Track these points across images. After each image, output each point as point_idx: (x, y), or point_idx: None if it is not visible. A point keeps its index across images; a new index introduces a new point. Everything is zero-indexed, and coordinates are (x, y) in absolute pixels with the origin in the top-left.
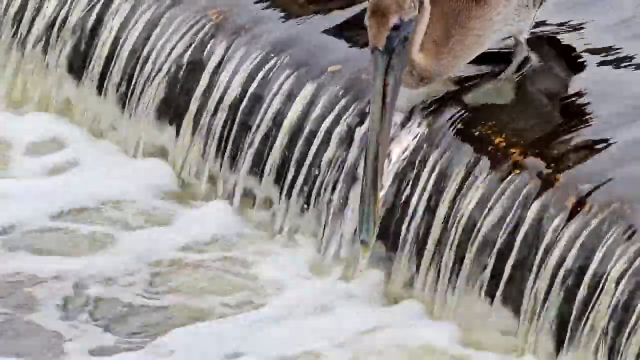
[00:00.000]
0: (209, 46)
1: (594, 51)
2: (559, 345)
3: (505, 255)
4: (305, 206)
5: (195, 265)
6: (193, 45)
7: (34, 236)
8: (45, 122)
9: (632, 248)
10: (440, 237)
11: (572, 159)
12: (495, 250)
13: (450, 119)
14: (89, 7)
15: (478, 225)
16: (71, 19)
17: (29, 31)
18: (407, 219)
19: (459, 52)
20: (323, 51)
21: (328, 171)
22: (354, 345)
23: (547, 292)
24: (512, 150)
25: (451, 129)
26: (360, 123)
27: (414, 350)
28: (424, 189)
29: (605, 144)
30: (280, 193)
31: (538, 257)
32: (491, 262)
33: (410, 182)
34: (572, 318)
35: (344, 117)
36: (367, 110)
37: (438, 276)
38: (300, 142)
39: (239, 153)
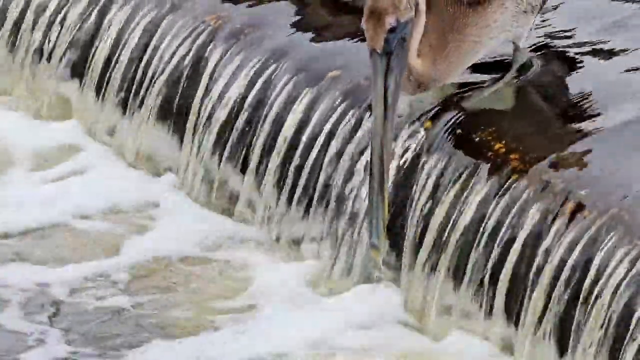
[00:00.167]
0: (208, 51)
1: (593, 56)
2: (558, 351)
3: (504, 260)
4: (306, 212)
5: (189, 270)
6: (192, 51)
7: (26, 241)
8: (45, 126)
9: (631, 253)
10: (439, 242)
11: (571, 164)
12: (494, 256)
13: (449, 124)
14: (88, 12)
15: (477, 230)
16: (71, 23)
17: (29, 34)
18: (406, 223)
19: (456, 58)
20: (323, 57)
21: (327, 176)
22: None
23: (546, 298)
24: (511, 155)
25: (450, 134)
26: (360, 128)
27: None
28: (422, 194)
29: (604, 150)
30: (280, 198)
31: (537, 263)
32: (490, 267)
33: (409, 187)
34: (571, 324)
35: (344, 122)
36: (367, 115)
37: (437, 281)
38: (300, 147)
39: (238, 158)
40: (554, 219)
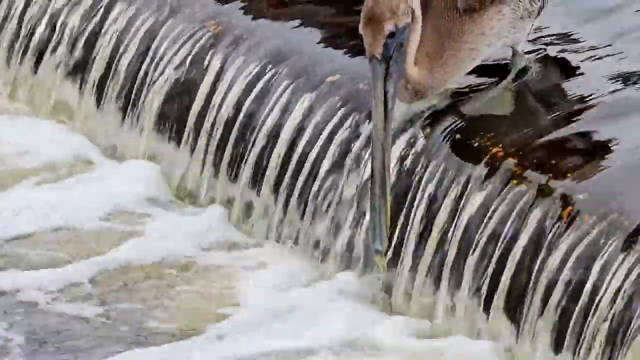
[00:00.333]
0: (207, 57)
1: (593, 61)
2: (557, 355)
3: (503, 265)
4: (303, 216)
5: (184, 275)
6: (191, 56)
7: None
8: (44, 131)
9: (630, 259)
10: (438, 247)
11: (570, 169)
12: (493, 261)
13: (448, 129)
14: (87, 18)
15: (476, 235)
16: (70, 29)
17: (28, 40)
18: (405, 228)
19: (453, 65)
20: (321, 61)
21: (326, 181)
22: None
23: (545, 303)
24: (510, 160)
25: (449, 139)
26: (359, 132)
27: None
28: (421, 199)
29: (603, 155)
30: (278, 203)
31: (536, 268)
32: (489, 272)
33: (408, 192)
34: (570, 329)
35: (343, 127)
36: (367, 120)
37: (436, 286)
38: (299, 151)
39: (237, 162)
40: (553, 224)
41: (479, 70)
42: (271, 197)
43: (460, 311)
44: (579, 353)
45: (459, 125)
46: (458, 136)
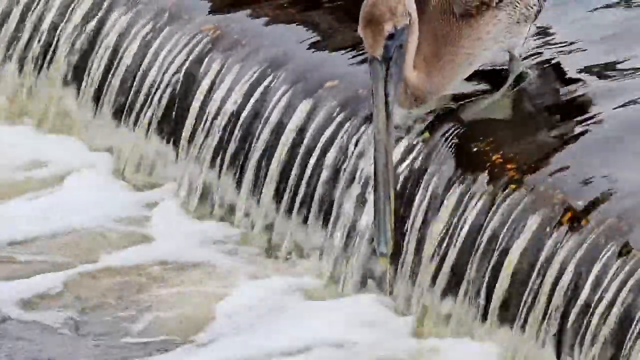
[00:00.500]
0: (205, 62)
1: (591, 66)
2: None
3: (502, 271)
4: (303, 222)
5: (178, 282)
6: (190, 61)
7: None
8: (43, 136)
9: (628, 264)
10: (437, 253)
11: (569, 174)
12: (492, 266)
13: (446, 134)
14: (85, 23)
15: (475, 240)
16: (69, 34)
17: (26, 45)
18: (404, 234)
19: (450, 70)
20: (320, 66)
21: (326, 186)
22: None
23: (545, 308)
24: (509, 166)
25: (448, 144)
26: (359, 137)
27: None
28: (420, 204)
29: (602, 160)
30: (278, 208)
31: (535, 273)
32: (488, 277)
33: (407, 198)
34: (569, 334)
35: (342, 132)
36: (364, 125)
37: (435, 292)
38: (298, 157)
39: (236, 168)
40: (552, 229)
41: (477, 77)
42: (271, 202)
43: (460, 316)
44: (578, 358)
45: (457, 131)
46: (457, 142)
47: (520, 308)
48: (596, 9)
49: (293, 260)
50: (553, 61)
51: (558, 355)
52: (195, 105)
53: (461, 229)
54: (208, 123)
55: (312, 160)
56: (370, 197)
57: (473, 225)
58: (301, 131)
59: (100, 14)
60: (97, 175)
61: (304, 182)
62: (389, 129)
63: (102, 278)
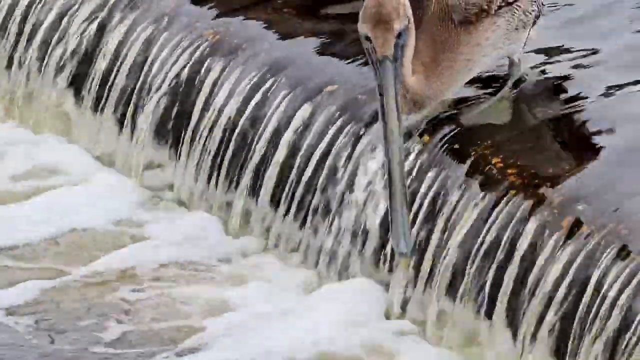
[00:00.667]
0: (205, 66)
1: (590, 71)
2: None
3: (501, 275)
4: (302, 225)
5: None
6: (189, 66)
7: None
8: (41, 140)
9: (628, 268)
10: (436, 257)
11: (568, 179)
12: (491, 271)
13: (446, 138)
14: (85, 27)
15: (474, 245)
16: (68, 39)
17: (26, 49)
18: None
19: (449, 76)
20: (320, 71)
21: (325, 191)
22: None
23: (544, 313)
24: (508, 170)
25: (447, 148)
26: (357, 142)
27: None
28: (419, 208)
29: (601, 164)
30: (277, 212)
31: (534, 278)
32: (488, 282)
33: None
34: (569, 339)
35: (341, 136)
36: (363, 129)
37: (434, 295)
38: (298, 161)
39: (236, 172)
40: (551, 234)
41: (476, 81)
42: (270, 206)
43: (459, 320)
44: None
45: (456, 135)
46: (456, 146)
47: (520, 313)
48: (595, 13)
49: (291, 263)
50: (553, 65)
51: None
52: (196, 109)
53: (460, 233)
54: (208, 127)
55: (312, 165)
56: (370, 201)
57: (472, 230)
58: (301, 135)
59: (100, 19)
60: (97, 180)
61: (302, 186)
62: (401, 128)
63: (100, 280)
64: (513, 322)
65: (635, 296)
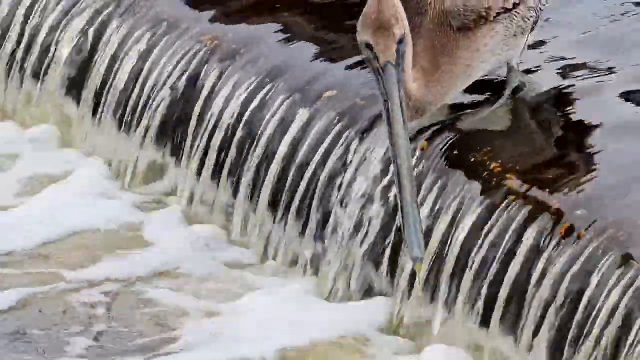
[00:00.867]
0: (204, 72)
1: (589, 77)
2: None
3: (500, 281)
4: (301, 232)
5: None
6: (188, 71)
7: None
8: (40, 146)
9: (627, 275)
10: (435, 263)
11: (567, 185)
12: (490, 277)
13: (444, 145)
14: (84, 33)
15: (473, 251)
16: (67, 44)
17: (25, 56)
18: (402, 244)
19: (449, 82)
20: (318, 76)
21: (323, 197)
22: None
23: (543, 319)
24: (507, 176)
25: (446, 155)
26: (357, 147)
27: None
28: None
29: (600, 170)
30: (275, 218)
31: (533, 283)
32: (486, 288)
33: None
34: (567, 345)
35: (340, 142)
36: (363, 134)
37: (433, 303)
38: (296, 167)
39: (234, 178)
40: (550, 240)
41: (475, 87)
42: (268, 211)
43: (458, 326)
44: None
45: (456, 141)
46: (455, 152)
47: (519, 319)
48: (594, 19)
49: (290, 268)
50: (551, 71)
51: None
52: (194, 114)
53: (459, 239)
54: (207, 132)
55: (310, 170)
56: (369, 205)
57: (471, 235)
58: (299, 141)
59: (98, 25)
60: (96, 184)
61: (301, 192)
62: (407, 132)
63: (97, 284)
64: (511, 328)
65: (634, 303)
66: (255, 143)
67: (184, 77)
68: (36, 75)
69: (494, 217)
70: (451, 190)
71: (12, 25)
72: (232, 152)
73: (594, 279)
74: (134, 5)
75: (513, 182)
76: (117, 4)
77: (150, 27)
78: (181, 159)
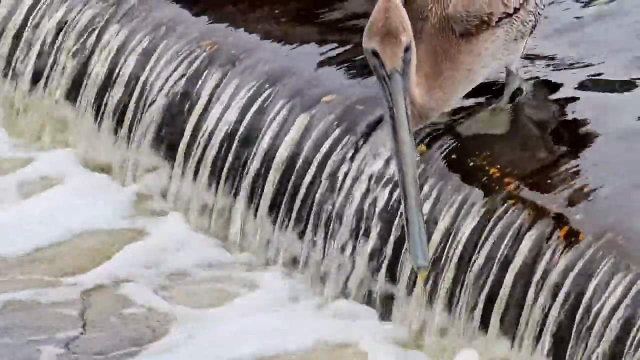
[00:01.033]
0: (202, 77)
1: (587, 81)
2: None
3: (499, 285)
4: (300, 237)
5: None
6: (187, 76)
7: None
8: (39, 151)
9: (626, 278)
10: (434, 267)
11: (566, 189)
12: (489, 281)
13: (443, 149)
14: (82, 38)
15: (472, 255)
16: (65, 49)
17: (23, 60)
18: (401, 248)
19: (451, 87)
20: (317, 81)
21: (322, 201)
22: None
23: (542, 323)
24: (506, 180)
25: (445, 159)
26: (355, 153)
27: None
28: None
29: (598, 174)
30: (274, 223)
31: (532, 288)
32: (485, 292)
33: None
34: (567, 349)
35: (339, 147)
36: (362, 139)
37: (432, 307)
38: (295, 172)
39: (233, 183)
40: (549, 244)
41: (474, 91)
42: (267, 215)
43: (457, 330)
44: None
45: (454, 145)
46: (454, 156)
47: (518, 323)
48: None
49: (288, 272)
50: (550, 75)
51: None
52: (193, 119)
53: (458, 243)
54: (205, 137)
55: (309, 175)
56: (369, 210)
57: (470, 240)
58: (298, 146)
59: (97, 29)
60: (94, 189)
61: (299, 196)
62: (412, 140)
63: (95, 287)
64: (511, 332)
65: (633, 306)
66: (254, 147)
67: (183, 82)
68: (34, 79)
69: (493, 221)
70: (449, 194)
71: (10, 28)
72: (231, 156)
73: (593, 283)
74: (132, 10)
75: (512, 187)
76: (115, 8)
77: (150, 32)
78: (179, 162)
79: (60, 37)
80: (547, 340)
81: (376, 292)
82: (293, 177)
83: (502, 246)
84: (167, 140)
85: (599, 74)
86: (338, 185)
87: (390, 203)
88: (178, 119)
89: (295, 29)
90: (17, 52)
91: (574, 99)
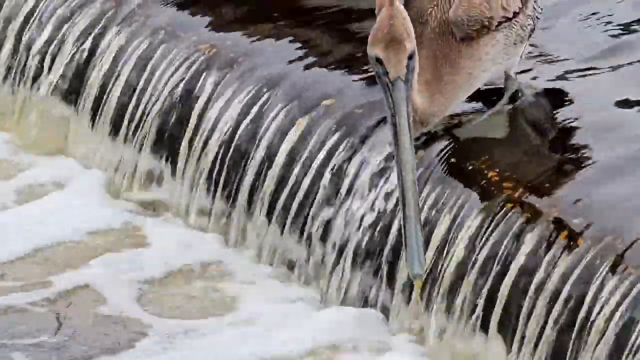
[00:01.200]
0: (201, 80)
1: (586, 84)
2: None
3: (498, 289)
4: (298, 241)
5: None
6: (186, 79)
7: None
8: (37, 155)
9: (625, 282)
10: (433, 271)
11: (565, 192)
12: (488, 285)
13: (442, 152)
14: (82, 41)
15: (471, 259)
16: (64, 53)
17: (24, 64)
18: (400, 252)
19: (452, 91)
20: (316, 85)
21: (321, 204)
22: None
23: (541, 327)
24: (505, 184)
25: (443, 162)
26: (355, 156)
27: None
28: None
29: (598, 178)
30: (273, 225)
31: (531, 292)
32: (484, 296)
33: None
34: (566, 352)
35: (338, 151)
36: (361, 143)
37: (430, 310)
38: (294, 175)
39: (232, 185)
40: (548, 248)
41: (472, 95)
42: (265, 218)
43: (456, 333)
44: None
45: (453, 149)
46: (453, 160)
47: (517, 327)
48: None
49: (286, 277)
50: (548, 79)
51: None
52: (191, 122)
53: (457, 247)
54: (204, 141)
55: (308, 179)
56: (368, 214)
57: (469, 244)
58: (297, 149)
59: (96, 33)
60: (92, 192)
61: (298, 199)
62: (413, 147)
63: (93, 288)
64: (509, 336)
65: (632, 310)
66: (252, 151)
67: (182, 85)
68: (33, 83)
69: (492, 225)
70: (448, 198)
71: (9, 32)
72: (230, 160)
73: (593, 287)
74: (132, 14)
75: (511, 191)
76: (115, 12)
77: (148, 35)
78: (178, 166)
79: (60, 39)
80: (546, 345)
81: (375, 295)
82: (291, 180)
83: (501, 250)
84: (166, 142)
85: (600, 77)
86: (337, 188)
87: (389, 207)
88: (177, 122)
89: (293, 32)
90: (18, 55)
91: (573, 102)
